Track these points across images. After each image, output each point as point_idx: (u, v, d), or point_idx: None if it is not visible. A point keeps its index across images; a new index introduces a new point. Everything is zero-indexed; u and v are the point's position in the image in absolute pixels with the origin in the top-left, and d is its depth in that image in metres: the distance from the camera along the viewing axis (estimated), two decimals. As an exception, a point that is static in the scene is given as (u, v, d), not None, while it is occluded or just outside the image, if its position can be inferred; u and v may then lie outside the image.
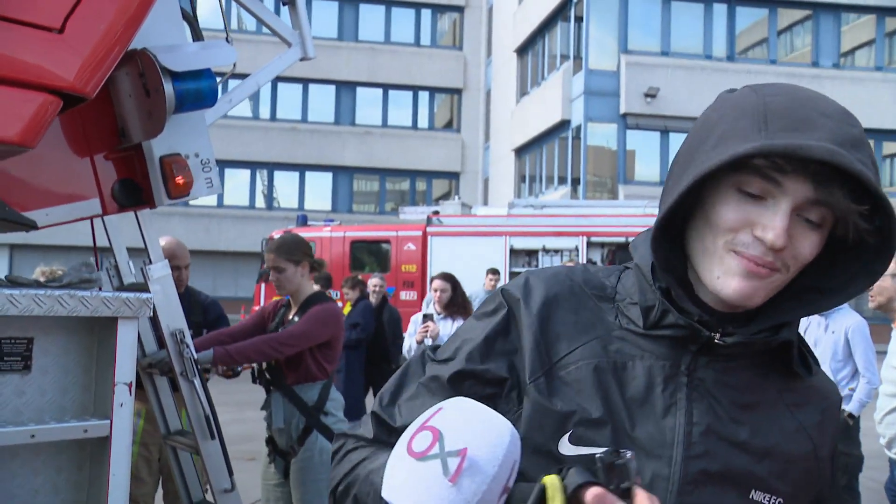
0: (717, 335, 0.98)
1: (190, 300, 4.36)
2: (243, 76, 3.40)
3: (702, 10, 20.75)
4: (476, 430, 0.73)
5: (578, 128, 20.64)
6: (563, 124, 21.20)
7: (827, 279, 1.00)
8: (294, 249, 3.91)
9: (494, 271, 10.28)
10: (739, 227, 0.93)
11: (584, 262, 12.00)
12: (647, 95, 20.02)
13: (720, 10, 20.83)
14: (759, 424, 1.02)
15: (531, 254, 13.52)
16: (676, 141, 20.81)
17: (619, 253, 12.60)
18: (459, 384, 1.04)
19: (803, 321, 4.68)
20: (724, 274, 0.94)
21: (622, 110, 20.23)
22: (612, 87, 20.32)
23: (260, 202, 25.11)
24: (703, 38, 20.85)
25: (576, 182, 20.36)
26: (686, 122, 20.48)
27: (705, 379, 1.01)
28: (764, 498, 1.00)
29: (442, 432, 0.73)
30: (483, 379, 1.04)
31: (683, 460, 0.98)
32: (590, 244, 12.81)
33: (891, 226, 0.91)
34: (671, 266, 1.00)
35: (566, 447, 0.98)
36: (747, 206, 0.93)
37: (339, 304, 5.60)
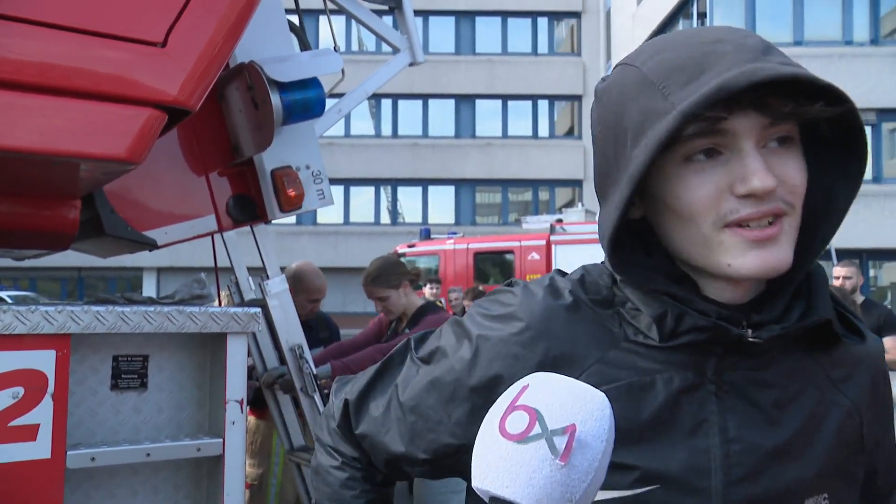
0: (749, 332, 0.81)
1: (317, 318, 4.41)
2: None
3: (838, -6, 19.48)
4: (574, 403, 0.66)
5: (706, 127, 19.82)
6: (690, 124, 20.42)
7: (805, 212, 0.83)
8: (389, 275, 3.84)
9: None
10: (717, 198, 0.78)
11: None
12: (780, 89, 18.95)
13: (859, -8, 19.48)
14: (803, 416, 0.86)
15: (660, 260, 12.96)
16: (815, 135, 19.57)
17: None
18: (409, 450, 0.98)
19: None
20: (734, 257, 0.79)
21: (753, 106, 19.27)
22: (742, 83, 19.40)
23: (385, 218, 25.58)
24: (841, 22, 19.55)
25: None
26: (825, 114, 19.20)
27: (736, 382, 0.85)
28: (814, 502, 0.85)
29: (539, 410, 0.65)
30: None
31: (724, 489, 0.82)
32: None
33: (852, 110, 0.77)
34: (664, 270, 0.87)
35: None
36: (708, 171, 0.78)
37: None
